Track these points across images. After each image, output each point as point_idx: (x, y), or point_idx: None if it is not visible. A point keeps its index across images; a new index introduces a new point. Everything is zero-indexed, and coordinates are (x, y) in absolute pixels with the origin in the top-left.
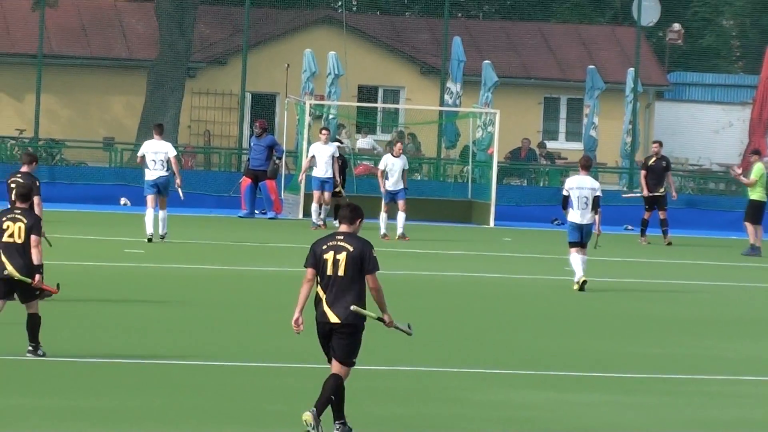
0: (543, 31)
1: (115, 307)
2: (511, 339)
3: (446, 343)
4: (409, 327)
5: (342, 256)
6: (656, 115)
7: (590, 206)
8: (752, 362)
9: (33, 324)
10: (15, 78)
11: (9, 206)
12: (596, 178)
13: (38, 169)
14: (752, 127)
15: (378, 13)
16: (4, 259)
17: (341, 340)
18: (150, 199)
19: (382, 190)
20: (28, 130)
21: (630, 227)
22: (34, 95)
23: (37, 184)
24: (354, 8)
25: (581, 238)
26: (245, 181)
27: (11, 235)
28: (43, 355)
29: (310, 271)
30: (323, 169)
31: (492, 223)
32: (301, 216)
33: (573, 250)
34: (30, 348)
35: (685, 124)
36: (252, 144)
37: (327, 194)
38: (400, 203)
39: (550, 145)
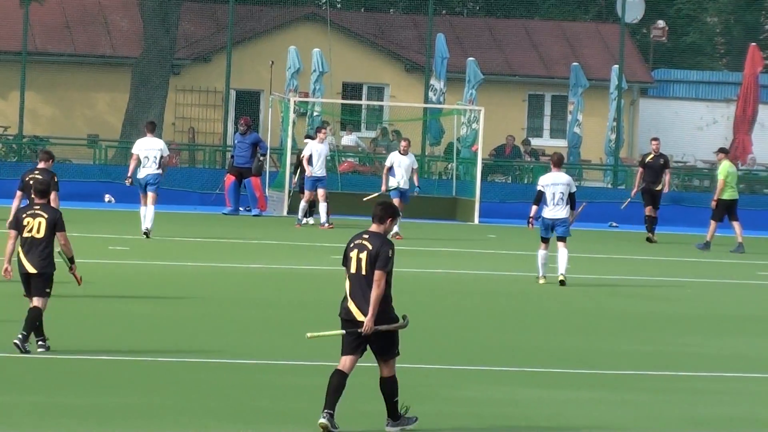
0: (527, 27)
1: (102, 304)
2: (495, 336)
3: (429, 340)
4: (404, 318)
5: (363, 255)
6: (640, 112)
7: (565, 202)
8: (736, 359)
9: (33, 316)
10: (1, 75)
11: (28, 202)
12: (581, 175)
13: (22, 165)
14: (736, 124)
15: (362, 10)
16: (21, 255)
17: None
18: (143, 197)
19: (383, 188)
20: (12, 128)
21: (615, 224)
22: (18, 92)
23: (55, 180)
24: (338, 5)
25: (549, 234)
26: (229, 179)
27: (31, 230)
28: (28, 352)
29: (346, 269)
30: (319, 168)
31: (476, 220)
32: (285, 213)
33: (544, 244)
34: (39, 342)
35: (669, 121)
36: (236, 141)
37: (322, 191)
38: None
39: (535, 142)
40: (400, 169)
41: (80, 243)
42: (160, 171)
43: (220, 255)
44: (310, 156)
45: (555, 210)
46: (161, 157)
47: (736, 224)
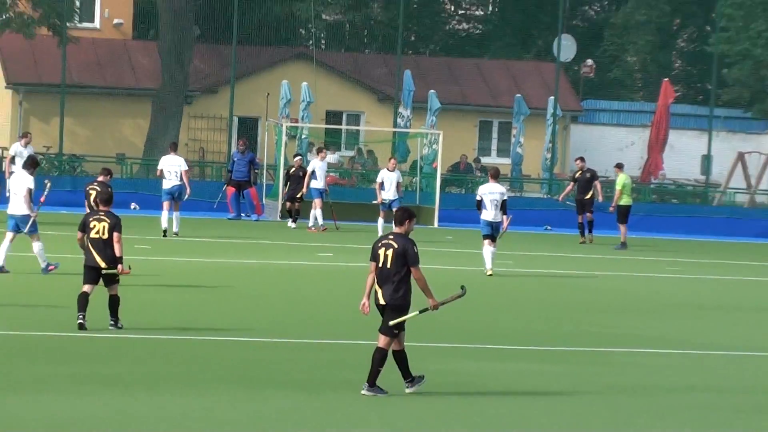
0: (478, 65)
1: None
2: (456, 319)
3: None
4: (462, 289)
5: (390, 252)
6: (572, 136)
7: (500, 207)
8: (653, 339)
9: (113, 303)
10: (43, 103)
11: (89, 209)
12: (522, 187)
13: (62, 179)
14: (650, 146)
15: (342, 50)
16: (94, 253)
17: (388, 318)
18: (166, 204)
19: (379, 200)
20: (53, 147)
21: (549, 227)
22: (59, 118)
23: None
24: (323, 46)
25: (492, 232)
26: (230, 190)
27: (97, 232)
28: (122, 327)
29: (372, 265)
30: (321, 182)
31: (436, 224)
32: (278, 218)
33: (486, 242)
34: (111, 322)
35: (595, 143)
36: (235, 159)
37: (318, 200)
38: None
39: (485, 159)
40: (388, 183)
41: None
42: (181, 182)
43: (227, 252)
44: (313, 171)
45: (494, 213)
46: (181, 171)
47: (623, 227)
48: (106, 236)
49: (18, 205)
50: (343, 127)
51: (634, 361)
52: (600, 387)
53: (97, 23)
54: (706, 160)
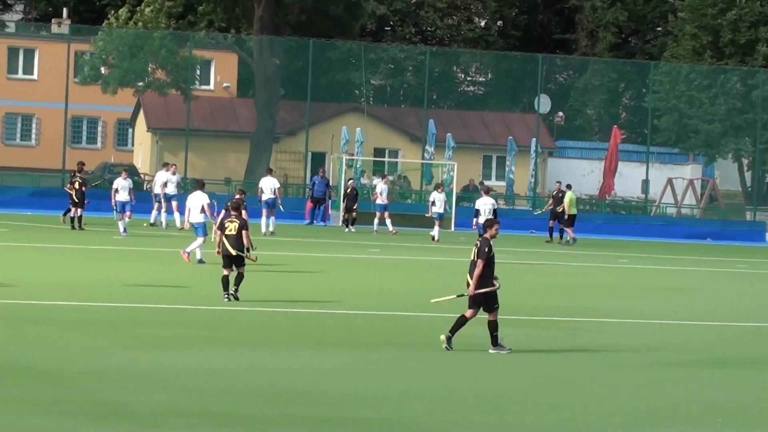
0: (481, 116)
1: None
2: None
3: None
4: (496, 280)
5: (474, 249)
6: (549, 166)
7: (491, 214)
8: (609, 311)
9: (239, 278)
10: (173, 142)
11: (227, 214)
12: (514, 202)
13: (185, 196)
14: (605, 173)
15: (385, 105)
16: (227, 244)
17: (472, 299)
18: (265, 212)
19: (430, 213)
20: (180, 174)
21: (534, 231)
22: (184, 153)
23: (245, 204)
24: (371, 102)
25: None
26: (309, 205)
27: (230, 230)
28: (238, 298)
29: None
30: (383, 198)
31: (453, 229)
32: (340, 224)
33: None
34: (233, 290)
35: (565, 171)
36: (316, 182)
37: (386, 213)
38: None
39: (487, 182)
40: (438, 201)
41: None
42: (275, 196)
43: (310, 248)
44: (380, 191)
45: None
46: (276, 188)
47: (570, 229)
48: (235, 233)
49: (195, 215)
50: (386, 159)
51: (596, 327)
52: (570, 346)
53: (211, 86)
54: (645, 183)
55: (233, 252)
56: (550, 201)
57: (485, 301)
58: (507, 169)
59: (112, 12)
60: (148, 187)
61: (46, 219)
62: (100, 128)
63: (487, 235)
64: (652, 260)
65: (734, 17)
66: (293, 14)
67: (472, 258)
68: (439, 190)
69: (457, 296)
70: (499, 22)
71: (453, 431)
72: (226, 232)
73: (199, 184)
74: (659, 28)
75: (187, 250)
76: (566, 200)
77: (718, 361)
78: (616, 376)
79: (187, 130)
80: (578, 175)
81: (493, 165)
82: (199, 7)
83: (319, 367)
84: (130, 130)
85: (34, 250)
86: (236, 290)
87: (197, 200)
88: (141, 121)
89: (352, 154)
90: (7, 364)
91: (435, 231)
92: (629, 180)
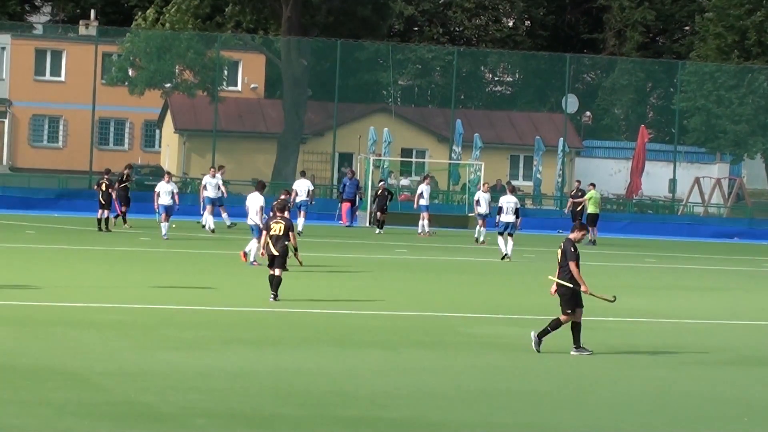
0: (509, 116)
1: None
2: (492, 297)
3: (453, 298)
4: (614, 298)
5: (559, 251)
6: (576, 166)
7: (513, 212)
8: (635, 310)
9: (278, 281)
10: (200, 144)
11: (273, 216)
12: (541, 202)
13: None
14: (632, 173)
15: (412, 105)
16: (271, 245)
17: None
18: (298, 212)
19: (476, 212)
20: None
21: (561, 231)
22: (211, 154)
23: (289, 205)
24: (398, 102)
25: (506, 229)
26: (345, 206)
27: (276, 231)
28: (276, 300)
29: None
30: (426, 200)
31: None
32: (367, 224)
33: (500, 237)
34: (272, 295)
35: (593, 170)
36: (346, 183)
37: (426, 213)
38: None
39: (514, 182)
40: (483, 201)
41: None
42: (308, 199)
43: (343, 249)
44: (421, 193)
45: (507, 217)
46: (310, 190)
47: (594, 229)
48: (281, 233)
49: (251, 216)
50: (413, 159)
51: (622, 327)
52: (597, 346)
53: (239, 87)
54: (672, 182)
55: (276, 252)
56: (570, 201)
57: (570, 300)
58: (534, 168)
59: (140, 13)
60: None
61: (73, 221)
62: (127, 130)
63: (571, 236)
64: (679, 260)
65: (760, 18)
66: (321, 15)
67: (558, 261)
68: (483, 189)
69: (613, 298)
70: (527, 22)
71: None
72: (272, 232)
73: (259, 186)
74: (687, 28)
75: (246, 250)
76: (587, 197)
77: (745, 360)
78: (641, 375)
79: (214, 131)
80: (605, 174)
81: (521, 165)
82: (226, 9)
83: (343, 368)
84: (158, 132)
85: (60, 251)
86: (275, 294)
87: (254, 202)
88: (168, 123)
89: (380, 155)
90: (33, 366)
91: (480, 232)
92: (656, 179)
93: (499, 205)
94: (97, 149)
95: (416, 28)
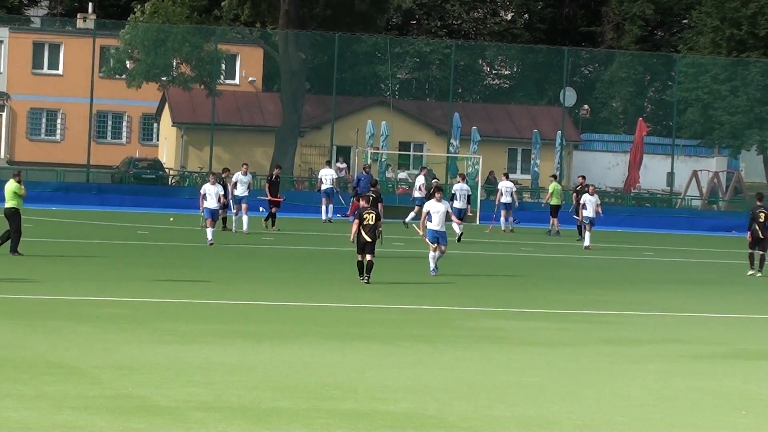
0: (507, 109)
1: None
2: (486, 289)
3: (456, 290)
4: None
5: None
6: (574, 159)
7: (510, 195)
8: (634, 303)
9: (370, 265)
10: (198, 137)
11: (365, 207)
12: (539, 196)
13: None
14: (630, 166)
15: (410, 98)
16: (364, 234)
17: None
18: (324, 201)
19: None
20: (205, 168)
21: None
22: (209, 147)
23: (381, 197)
24: (396, 96)
25: (506, 207)
26: (355, 204)
27: (368, 221)
28: (368, 282)
29: None
30: (437, 223)
31: (478, 222)
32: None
33: (503, 213)
34: (366, 278)
35: (590, 164)
36: (361, 178)
37: (443, 246)
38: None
39: (512, 175)
40: (590, 204)
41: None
42: (332, 186)
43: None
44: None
45: (508, 198)
46: (334, 179)
47: (555, 220)
48: (373, 222)
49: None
50: (411, 153)
51: (618, 320)
52: (594, 339)
53: (237, 80)
54: (670, 176)
55: (369, 240)
56: (574, 196)
57: None
58: (532, 162)
59: (138, 6)
60: (173, 182)
61: (71, 214)
62: (125, 123)
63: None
64: (677, 253)
65: (754, 10)
66: (319, 8)
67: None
68: (590, 191)
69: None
70: (525, 15)
71: (484, 424)
72: (364, 222)
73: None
74: (685, 21)
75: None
76: (550, 190)
77: (743, 354)
78: (640, 369)
79: (212, 124)
80: (603, 167)
81: (519, 158)
82: (223, 2)
83: (341, 361)
84: (155, 125)
85: (57, 245)
86: (368, 277)
87: (215, 190)
88: (166, 116)
89: (378, 148)
90: (31, 359)
91: (585, 239)
92: (654, 172)
93: (498, 188)
94: (95, 143)
95: (414, 22)
